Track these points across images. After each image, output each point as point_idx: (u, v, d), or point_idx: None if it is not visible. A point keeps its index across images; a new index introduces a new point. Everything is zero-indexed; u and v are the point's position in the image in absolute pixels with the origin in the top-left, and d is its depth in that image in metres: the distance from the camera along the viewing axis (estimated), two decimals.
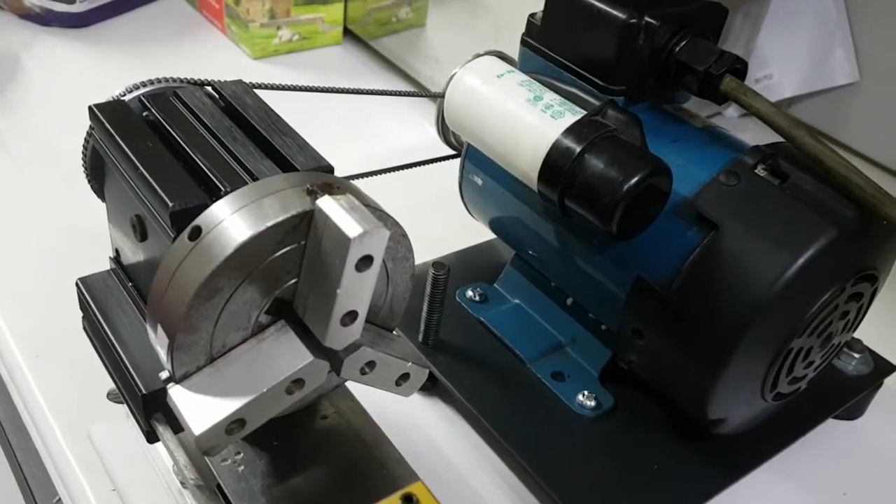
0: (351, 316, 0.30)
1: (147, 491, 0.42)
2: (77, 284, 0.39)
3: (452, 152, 0.56)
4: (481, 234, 0.57)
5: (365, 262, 0.29)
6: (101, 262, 0.40)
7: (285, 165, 0.34)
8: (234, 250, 0.28)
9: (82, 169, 0.38)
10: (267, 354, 0.31)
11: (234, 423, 0.29)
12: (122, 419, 0.45)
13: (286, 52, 0.88)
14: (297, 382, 0.30)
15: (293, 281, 0.31)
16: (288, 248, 0.30)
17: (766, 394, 0.42)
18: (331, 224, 0.29)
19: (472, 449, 0.48)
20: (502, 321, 0.51)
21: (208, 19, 0.91)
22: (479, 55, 0.46)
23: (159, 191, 0.31)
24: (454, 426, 0.49)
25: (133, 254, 0.37)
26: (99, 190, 0.38)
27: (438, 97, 0.50)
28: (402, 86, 0.87)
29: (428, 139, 0.72)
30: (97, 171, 0.38)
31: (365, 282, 0.29)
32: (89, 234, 0.46)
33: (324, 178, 0.31)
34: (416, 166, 0.54)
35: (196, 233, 0.29)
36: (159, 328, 0.30)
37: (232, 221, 0.29)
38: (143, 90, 0.37)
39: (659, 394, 0.46)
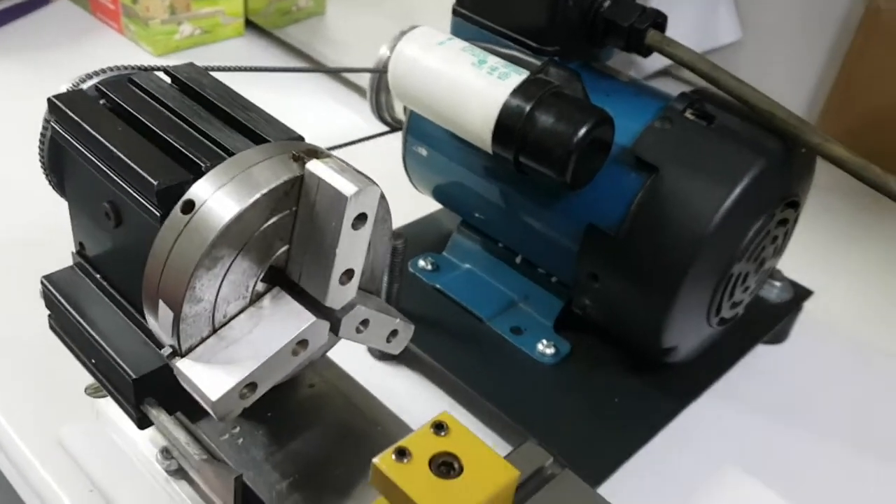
0: (348, 274, 0.31)
1: (131, 485, 0.42)
2: (42, 283, 0.38)
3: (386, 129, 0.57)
4: (420, 209, 0.58)
5: (360, 219, 0.30)
6: (45, 265, 0.39)
7: (257, 139, 0.34)
8: (234, 218, 0.29)
9: (39, 164, 0.37)
10: (269, 320, 0.31)
11: (246, 388, 0.30)
12: (91, 419, 0.44)
13: (188, 48, 0.86)
14: (302, 343, 0.31)
15: (285, 248, 0.32)
16: (280, 215, 0.31)
17: (711, 319, 0.46)
18: (324, 186, 0.30)
19: (443, 408, 0.49)
20: (457, 286, 0.53)
21: (103, 21, 0.88)
22: (411, 28, 0.47)
23: (140, 171, 0.31)
24: (423, 389, 0.50)
25: (102, 244, 0.37)
26: (59, 184, 0.38)
27: (378, 73, 0.52)
28: (312, 75, 0.87)
29: (346, 123, 0.73)
30: (56, 165, 0.37)
31: (360, 239, 0.31)
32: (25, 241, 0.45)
33: (305, 146, 0.32)
34: (350, 145, 0.55)
35: (189, 206, 0.30)
36: (161, 304, 0.30)
37: (226, 192, 0.30)
38: (96, 79, 0.37)
39: (613, 332, 0.49)
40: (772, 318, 0.56)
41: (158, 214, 0.31)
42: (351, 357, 0.42)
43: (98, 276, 0.38)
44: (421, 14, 0.72)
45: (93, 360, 0.37)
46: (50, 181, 0.38)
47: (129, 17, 0.84)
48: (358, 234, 0.30)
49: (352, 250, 0.31)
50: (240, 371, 0.30)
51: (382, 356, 0.51)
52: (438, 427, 0.26)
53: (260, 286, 0.32)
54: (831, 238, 0.69)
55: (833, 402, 0.53)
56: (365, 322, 0.34)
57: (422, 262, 0.54)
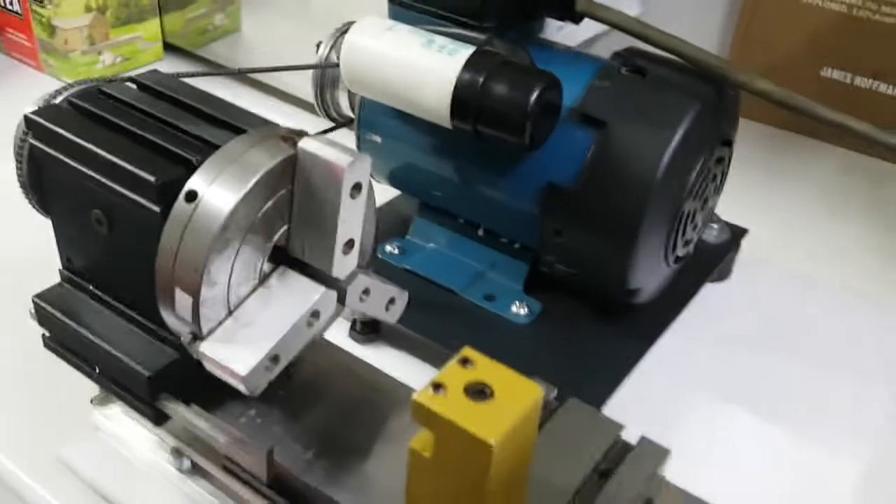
0: (349, 244, 0.33)
1: (144, 489, 0.42)
2: (34, 301, 0.39)
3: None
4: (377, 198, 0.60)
5: (356, 189, 0.32)
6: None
7: (238, 130, 0.36)
8: (241, 199, 0.31)
9: (18, 185, 0.38)
10: (281, 296, 0.33)
11: (270, 361, 0.32)
12: (90, 435, 0.45)
13: (111, 76, 0.86)
14: (315, 315, 0.33)
15: (286, 227, 0.33)
16: (278, 195, 0.32)
17: (668, 257, 0.49)
18: (319, 161, 0.32)
19: (427, 378, 0.52)
20: (426, 264, 0.55)
21: (19, 60, 0.86)
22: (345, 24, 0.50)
23: (136, 171, 0.33)
24: (408, 364, 0.52)
25: (91, 254, 0.38)
26: (40, 201, 0.38)
27: (323, 68, 0.54)
28: (237, 87, 0.87)
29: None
30: (37, 182, 0.38)
31: (358, 208, 0.33)
32: None
33: (289, 129, 0.34)
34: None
35: (192, 196, 0.31)
36: (178, 291, 0.31)
37: (227, 177, 0.31)
38: (66, 94, 0.38)
39: (581, 283, 0.52)
40: (715, 258, 0.60)
41: (158, 210, 0.33)
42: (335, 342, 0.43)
43: (90, 286, 0.39)
44: (332, 23, 0.74)
45: (97, 369, 0.38)
46: (30, 200, 0.38)
47: (48, 52, 0.83)
48: (355, 203, 0.32)
49: (351, 219, 0.33)
50: (263, 345, 0.31)
51: (365, 339, 0.53)
52: (464, 361, 0.28)
53: (266, 266, 0.33)
54: (757, 182, 0.74)
55: (780, 328, 0.58)
56: (367, 291, 0.36)
57: (388, 248, 0.56)
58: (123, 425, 0.44)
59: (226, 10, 0.95)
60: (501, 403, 0.27)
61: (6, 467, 0.45)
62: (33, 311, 0.40)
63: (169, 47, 0.92)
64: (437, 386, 0.27)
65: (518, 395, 0.28)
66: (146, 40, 0.89)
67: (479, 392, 0.27)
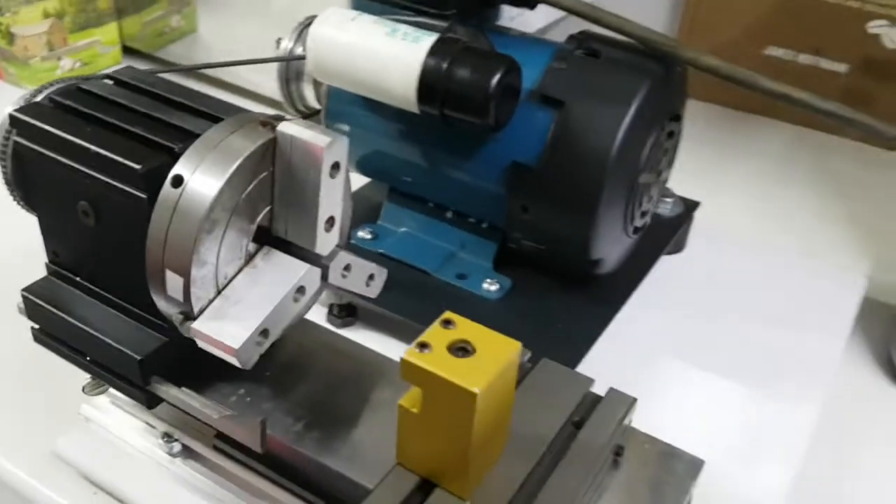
0: (330, 221, 0.35)
1: (136, 475, 0.43)
2: (23, 295, 0.40)
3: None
4: None
5: (335, 168, 0.34)
6: None
7: (215, 119, 0.37)
8: (226, 181, 0.32)
9: (4, 183, 0.39)
10: (267, 274, 0.35)
11: (260, 335, 0.33)
12: (81, 426, 0.46)
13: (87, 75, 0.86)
14: (300, 290, 0.35)
15: (268, 208, 0.35)
16: (260, 177, 0.34)
17: (627, 228, 0.52)
18: (298, 142, 0.33)
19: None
20: (398, 248, 0.57)
21: None
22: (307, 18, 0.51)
23: (122, 160, 0.34)
24: (386, 345, 0.54)
25: (78, 246, 0.39)
26: (25, 198, 0.39)
27: (289, 60, 0.55)
28: (200, 86, 0.88)
29: None
30: (21, 179, 0.39)
31: (337, 187, 0.35)
32: None
33: (265, 115, 0.35)
34: None
35: (178, 181, 0.33)
36: (168, 274, 0.33)
37: (211, 162, 0.33)
38: (46, 92, 0.39)
39: (547, 257, 0.54)
40: (670, 230, 0.63)
41: (144, 197, 0.34)
42: None
43: (77, 278, 0.40)
44: (287, 22, 0.76)
45: (88, 357, 0.39)
46: (15, 197, 0.40)
47: (7, 60, 0.83)
48: (335, 181, 0.34)
49: (331, 197, 0.34)
50: (253, 320, 0.33)
51: (343, 323, 0.55)
52: (446, 322, 0.30)
53: (251, 247, 0.35)
54: (708, 158, 0.77)
55: (733, 292, 0.61)
56: (348, 267, 0.38)
57: (361, 233, 0.58)
58: (113, 416, 0.45)
59: (182, 11, 0.96)
60: (482, 358, 0.29)
61: (4, 467, 0.46)
62: (22, 305, 0.41)
63: (127, 50, 0.92)
64: (422, 345, 0.29)
65: (497, 350, 0.30)
66: (105, 44, 0.89)
67: (461, 349, 0.30)
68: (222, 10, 1.01)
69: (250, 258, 0.35)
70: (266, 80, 0.68)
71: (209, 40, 0.99)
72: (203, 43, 0.99)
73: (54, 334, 0.40)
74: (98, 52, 0.88)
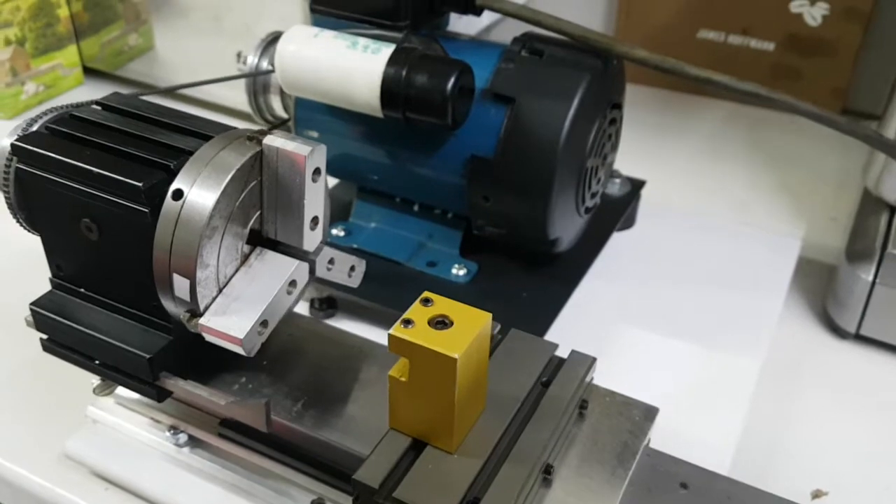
0: (314, 221, 0.39)
1: (149, 465, 0.47)
2: (32, 309, 0.43)
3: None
4: None
5: (317, 173, 0.38)
6: None
7: (205, 137, 0.41)
8: (221, 193, 0.36)
9: (7, 207, 0.42)
10: (262, 272, 0.39)
11: (261, 325, 0.38)
12: (89, 427, 0.49)
13: (37, 104, 0.89)
14: (293, 283, 0.39)
15: (258, 213, 0.39)
16: (250, 186, 0.38)
17: (579, 209, 0.57)
18: (283, 153, 0.38)
19: (384, 341, 0.58)
20: (371, 242, 0.61)
21: None
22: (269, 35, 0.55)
23: (123, 179, 0.38)
24: (364, 331, 0.58)
25: (81, 260, 0.43)
26: (28, 219, 0.43)
27: (255, 76, 0.59)
28: (169, 102, 0.91)
29: None
30: (23, 202, 0.42)
31: (319, 189, 0.39)
32: None
33: (250, 130, 0.40)
34: None
35: (179, 194, 0.37)
36: (175, 277, 0.37)
37: (207, 175, 0.37)
38: (41, 121, 0.42)
39: (509, 240, 0.59)
40: (620, 209, 0.68)
41: (147, 211, 0.38)
42: None
43: (81, 289, 0.44)
44: (242, 36, 0.79)
45: (98, 361, 0.43)
46: (19, 220, 0.43)
47: None
48: (317, 185, 0.38)
49: (315, 199, 0.39)
50: (253, 313, 0.37)
51: (324, 315, 0.59)
52: (426, 301, 0.35)
53: (245, 248, 0.39)
54: (651, 138, 0.83)
55: (681, 262, 0.67)
56: (332, 260, 0.42)
57: (334, 231, 0.62)
58: (119, 414, 0.49)
59: (139, 30, 0.98)
60: (459, 329, 0.34)
61: (16, 472, 0.49)
62: (30, 318, 0.44)
63: (88, 71, 0.95)
64: (406, 322, 0.34)
65: (471, 321, 0.34)
66: (66, 66, 0.92)
67: (440, 322, 0.34)
68: (177, 27, 1.03)
69: (245, 258, 0.39)
70: (233, 94, 0.72)
71: (166, 56, 1.02)
72: (160, 59, 1.02)
73: (64, 343, 0.44)
74: (60, 75, 0.91)
